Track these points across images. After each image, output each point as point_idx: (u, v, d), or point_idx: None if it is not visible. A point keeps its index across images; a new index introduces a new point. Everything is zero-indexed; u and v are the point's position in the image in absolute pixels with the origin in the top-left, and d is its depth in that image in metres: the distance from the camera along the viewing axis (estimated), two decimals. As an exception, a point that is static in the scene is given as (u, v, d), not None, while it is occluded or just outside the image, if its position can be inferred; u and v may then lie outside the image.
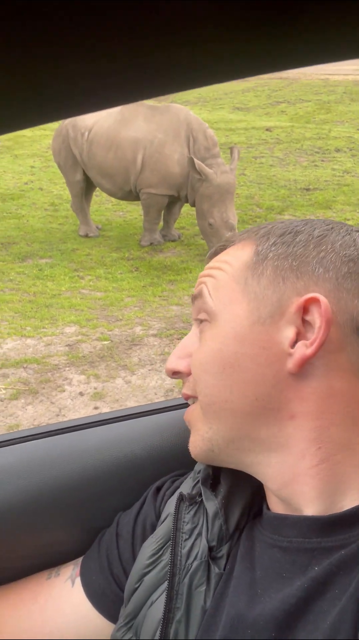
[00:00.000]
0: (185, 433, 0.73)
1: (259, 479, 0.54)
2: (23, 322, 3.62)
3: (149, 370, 3.10)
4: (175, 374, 0.58)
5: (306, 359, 0.48)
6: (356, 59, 0.32)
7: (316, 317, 0.48)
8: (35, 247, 4.94)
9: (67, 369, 3.11)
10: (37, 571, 0.70)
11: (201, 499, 0.58)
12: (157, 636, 0.52)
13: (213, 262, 0.58)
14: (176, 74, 0.29)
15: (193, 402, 0.57)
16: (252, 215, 5.78)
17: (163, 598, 0.54)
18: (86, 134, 4.75)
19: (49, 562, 0.70)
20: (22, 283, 4.22)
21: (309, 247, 0.52)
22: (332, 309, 0.49)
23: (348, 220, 5.56)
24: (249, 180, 6.93)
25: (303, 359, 0.48)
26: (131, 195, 4.85)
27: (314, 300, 0.48)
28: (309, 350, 0.48)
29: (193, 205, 4.64)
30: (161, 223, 5.12)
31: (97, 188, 5.13)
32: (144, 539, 0.62)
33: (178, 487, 0.65)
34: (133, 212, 5.83)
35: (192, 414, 0.57)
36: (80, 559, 0.68)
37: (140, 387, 2.94)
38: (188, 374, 0.56)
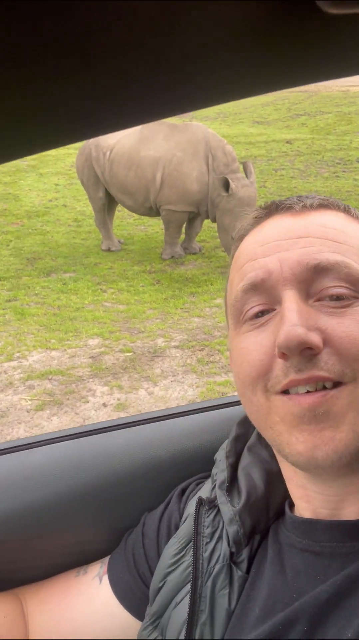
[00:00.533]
0: (207, 436, 0.75)
1: None
2: (48, 334, 3.69)
3: (171, 381, 3.11)
4: (305, 349, 0.45)
5: None
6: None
7: None
8: (60, 262, 5.04)
9: (91, 380, 3.15)
10: (66, 569, 0.73)
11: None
12: (183, 637, 0.53)
13: (307, 229, 0.50)
14: (195, 94, 0.32)
15: (331, 387, 0.46)
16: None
17: (187, 600, 0.55)
18: (108, 153, 4.86)
19: (77, 560, 0.73)
20: (47, 297, 4.32)
21: None
22: None
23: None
24: (270, 192, 6.95)
25: None
26: (152, 211, 4.94)
27: None
28: None
29: (214, 220, 4.70)
30: (182, 236, 5.18)
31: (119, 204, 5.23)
32: (169, 538, 0.64)
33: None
34: (155, 226, 5.90)
35: (336, 402, 0.45)
36: (107, 558, 0.71)
37: (163, 398, 2.96)
38: (320, 350, 0.46)
